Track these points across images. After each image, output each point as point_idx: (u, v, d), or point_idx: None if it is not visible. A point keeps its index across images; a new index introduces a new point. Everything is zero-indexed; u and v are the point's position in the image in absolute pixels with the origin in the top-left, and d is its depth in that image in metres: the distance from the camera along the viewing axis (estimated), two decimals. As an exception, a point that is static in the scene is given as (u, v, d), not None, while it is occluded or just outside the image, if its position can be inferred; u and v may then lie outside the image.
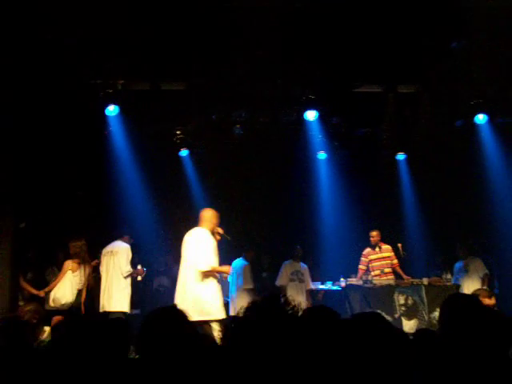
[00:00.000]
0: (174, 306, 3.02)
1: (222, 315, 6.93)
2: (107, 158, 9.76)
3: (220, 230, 7.43)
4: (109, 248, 8.84)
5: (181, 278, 7.13)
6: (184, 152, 10.54)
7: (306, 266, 10.17)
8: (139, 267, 9.11)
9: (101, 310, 8.46)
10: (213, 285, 7.02)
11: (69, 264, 8.51)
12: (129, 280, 8.67)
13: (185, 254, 7.25)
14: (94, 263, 8.79)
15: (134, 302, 9.97)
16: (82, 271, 8.53)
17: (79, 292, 8.48)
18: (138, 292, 10.54)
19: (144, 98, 9.20)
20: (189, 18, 7.90)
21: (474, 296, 3.02)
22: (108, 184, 9.92)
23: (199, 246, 7.06)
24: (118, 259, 8.62)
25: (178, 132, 10.16)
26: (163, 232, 10.48)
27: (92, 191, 10.30)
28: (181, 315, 2.90)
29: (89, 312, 8.49)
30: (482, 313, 2.38)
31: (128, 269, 8.59)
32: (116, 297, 8.47)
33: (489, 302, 5.13)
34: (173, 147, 10.35)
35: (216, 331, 6.53)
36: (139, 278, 8.97)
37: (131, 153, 9.83)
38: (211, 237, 7.24)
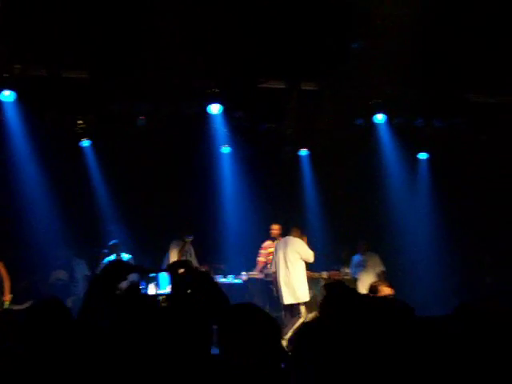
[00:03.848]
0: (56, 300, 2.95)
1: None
2: (2, 146, 9.35)
3: (305, 241, 9.48)
4: None
5: (288, 272, 9.20)
6: (85, 142, 10.27)
7: None
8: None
9: None
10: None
11: None
12: None
13: (284, 254, 9.26)
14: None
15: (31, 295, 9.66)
16: None
17: None
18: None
19: (43, 85, 8.88)
20: (92, 4, 7.72)
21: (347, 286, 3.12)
22: (2, 173, 9.50)
23: (304, 247, 9.36)
24: None
25: (79, 122, 9.88)
26: (61, 224, 10.14)
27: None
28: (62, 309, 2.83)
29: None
30: (356, 300, 2.46)
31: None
32: None
33: (387, 291, 5.31)
34: (74, 137, 10.06)
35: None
36: None
37: (29, 141, 9.45)
38: None
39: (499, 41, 8.53)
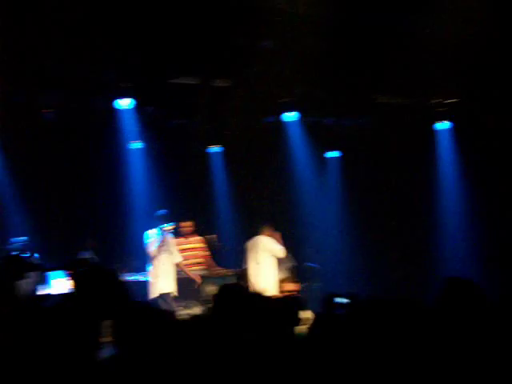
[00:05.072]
0: None
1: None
2: None
3: (279, 237, 9.83)
4: None
5: (258, 272, 9.53)
6: (-11, 137, 9.86)
7: None
8: None
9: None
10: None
11: None
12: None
13: (254, 254, 9.62)
14: None
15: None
16: None
17: None
18: None
19: None
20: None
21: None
22: None
23: (273, 244, 9.69)
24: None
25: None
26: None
27: None
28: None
29: None
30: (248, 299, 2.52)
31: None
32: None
33: (293, 287, 5.42)
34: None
35: None
36: None
37: None
38: None
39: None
